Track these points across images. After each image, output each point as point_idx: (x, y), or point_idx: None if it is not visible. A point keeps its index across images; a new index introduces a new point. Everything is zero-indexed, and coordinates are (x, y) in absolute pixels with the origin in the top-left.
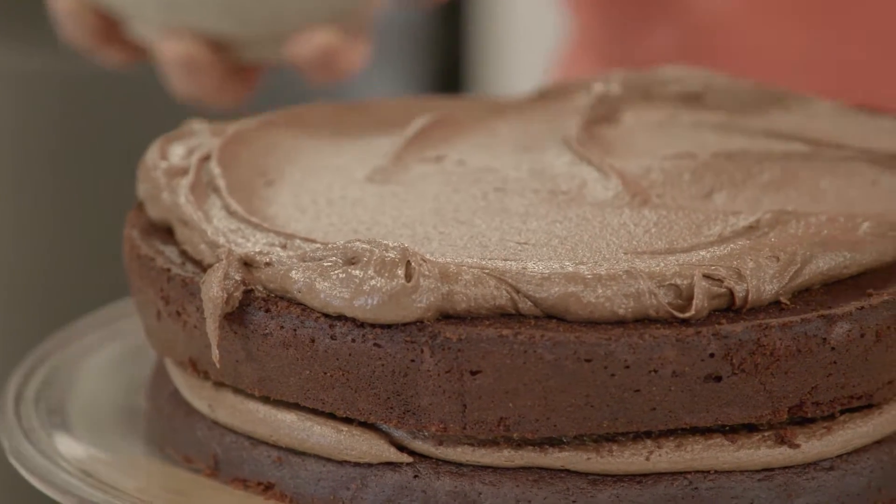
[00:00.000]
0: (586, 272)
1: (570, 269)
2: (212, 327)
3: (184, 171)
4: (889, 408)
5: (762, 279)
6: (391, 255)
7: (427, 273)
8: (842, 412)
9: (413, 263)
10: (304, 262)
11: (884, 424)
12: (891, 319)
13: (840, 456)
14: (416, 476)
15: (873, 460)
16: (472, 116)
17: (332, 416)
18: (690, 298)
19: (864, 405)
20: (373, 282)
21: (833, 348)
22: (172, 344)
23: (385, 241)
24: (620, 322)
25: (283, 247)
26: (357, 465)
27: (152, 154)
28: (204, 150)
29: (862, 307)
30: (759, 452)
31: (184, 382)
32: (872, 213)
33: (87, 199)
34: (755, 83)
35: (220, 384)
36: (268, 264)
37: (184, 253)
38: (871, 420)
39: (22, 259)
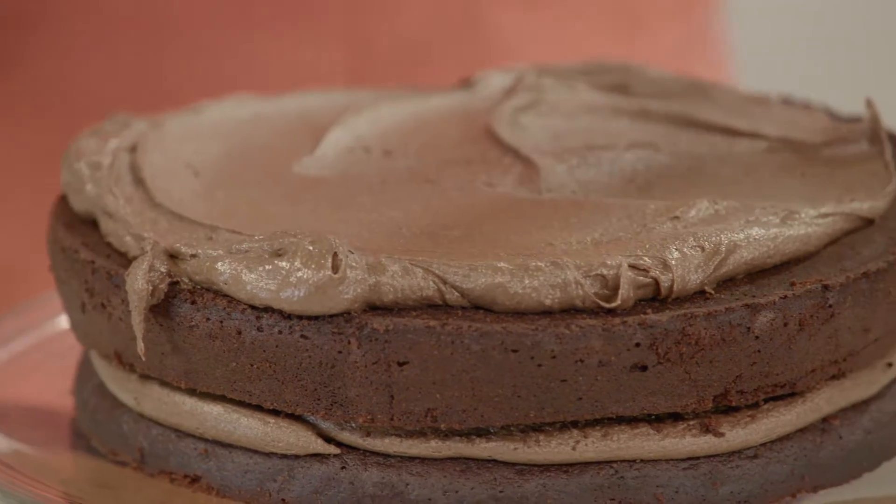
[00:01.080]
0: (513, 263)
1: (497, 260)
2: (137, 320)
3: (108, 163)
4: (812, 396)
5: (687, 269)
6: (318, 246)
7: (354, 264)
8: (765, 400)
9: (340, 255)
10: (231, 253)
11: (807, 412)
12: (814, 308)
13: (764, 444)
14: (343, 467)
15: (797, 448)
16: (399, 107)
17: (258, 408)
18: (616, 288)
19: (788, 393)
20: (299, 273)
21: (757, 337)
22: (97, 336)
23: (312, 233)
24: (547, 312)
25: (209, 238)
26: (284, 456)
27: (76, 146)
28: (129, 141)
29: (785, 296)
30: (684, 441)
31: (109, 375)
32: (795, 203)
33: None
34: (678, 73)
35: (145, 377)
36: (193, 256)
37: (108, 245)
38: (795, 408)
39: None
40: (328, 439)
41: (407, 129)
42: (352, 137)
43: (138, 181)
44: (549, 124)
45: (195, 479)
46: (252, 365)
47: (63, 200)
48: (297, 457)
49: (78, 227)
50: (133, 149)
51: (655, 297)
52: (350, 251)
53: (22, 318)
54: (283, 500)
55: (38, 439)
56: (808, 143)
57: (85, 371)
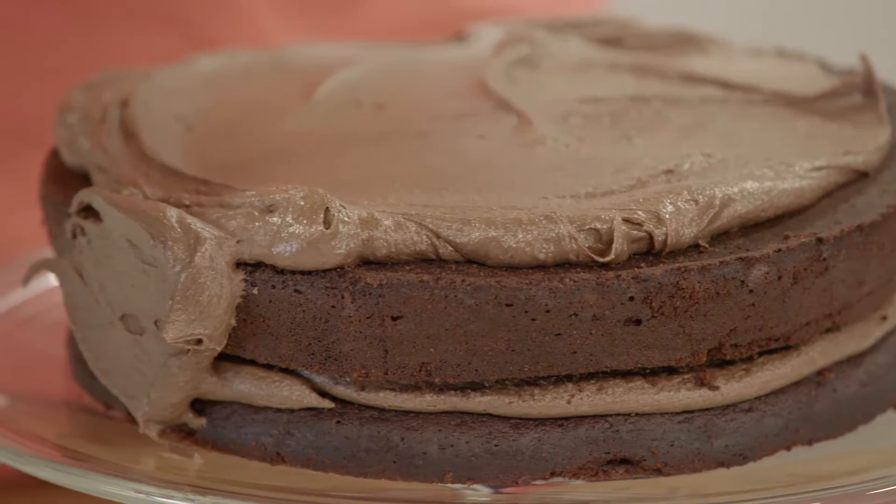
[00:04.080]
0: (506, 217)
1: (490, 213)
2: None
3: (101, 117)
4: (806, 349)
5: (681, 223)
6: (309, 201)
7: (346, 219)
8: (760, 354)
9: (332, 210)
10: (222, 208)
11: (801, 366)
12: (808, 262)
13: (759, 397)
14: (338, 422)
15: (791, 401)
16: (392, 61)
17: (252, 363)
18: (610, 242)
19: (782, 347)
20: (291, 229)
21: (751, 291)
22: None
23: (303, 188)
24: (541, 266)
25: (204, 193)
26: (279, 411)
27: (67, 100)
28: (120, 95)
29: (779, 249)
30: (678, 395)
31: None
32: (789, 156)
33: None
34: (672, 26)
35: None
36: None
37: None
38: (789, 361)
39: None
40: (323, 394)
41: (399, 82)
42: (344, 91)
43: (130, 134)
44: (541, 77)
45: (190, 434)
46: (245, 320)
47: (55, 155)
48: (292, 411)
49: (70, 181)
50: (125, 102)
51: (649, 251)
52: (342, 206)
53: (17, 272)
54: (278, 453)
55: (34, 394)
56: (801, 95)
57: None
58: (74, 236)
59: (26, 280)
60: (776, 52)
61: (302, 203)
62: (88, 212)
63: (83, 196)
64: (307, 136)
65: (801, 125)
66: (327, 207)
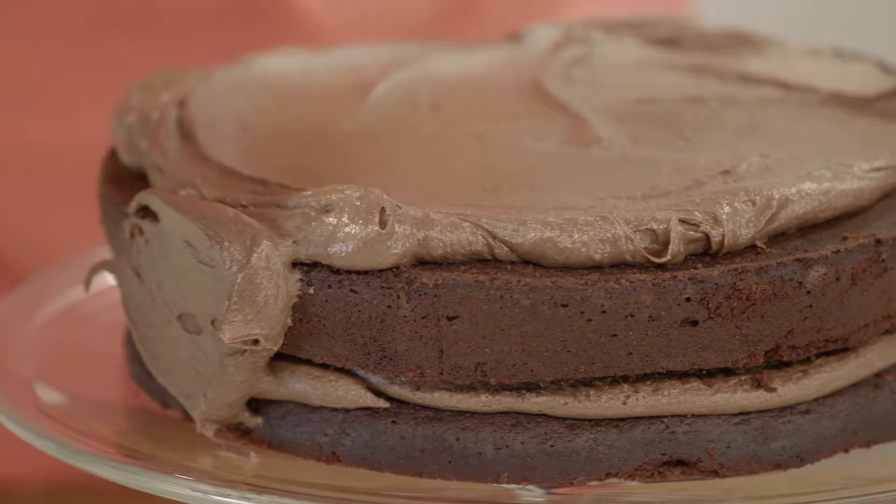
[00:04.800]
0: (562, 218)
1: (546, 214)
2: None
3: (157, 117)
4: (864, 351)
5: (738, 223)
6: (365, 201)
7: (402, 219)
8: (818, 356)
9: (387, 210)
10: (279, 209)
11: (859, 367)
12: (866, 263)
13: (816, 399)
14: (393, 421)
15: (849, 403)
16: (447, 61)
17: (308, 363)
18: (667, 243)
19: (840, 349)
20: (347, 229)
21: (809, 292)
22: None
23: (359, 188)
24: (597, 267)
25: (261, 194)
26: (335, 410)
27: (125, 100)
28: (178, 95)
29: (837, 251)
30: (735, 396)
31: None
32: (847, 156)
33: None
34: (729, 27)
35: None
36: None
37: None
38: (847, 363)
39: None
40: (378, 393)
41: (455, 83)
42: (400, 91)
43: (187, 135)
44: (598, 78)
45: (246, 433)
46: (302, 320)
47: (112, 155)
48: (347, 411)
49: (127, 181)
50: (182, 102)
51: (706, 252)
52: (398, 206)
53: (75, 271)
54: (333, 453)
55: (91, 393)
56: (859, 96)
57: None
58: (132, 236)
59: (87, 282)
60: (834, 52)
61: (358, 203)
62: (146, 212)
63: (141, 197)
64: (363, 137)
65: (859, 126)
66: (383, 207)
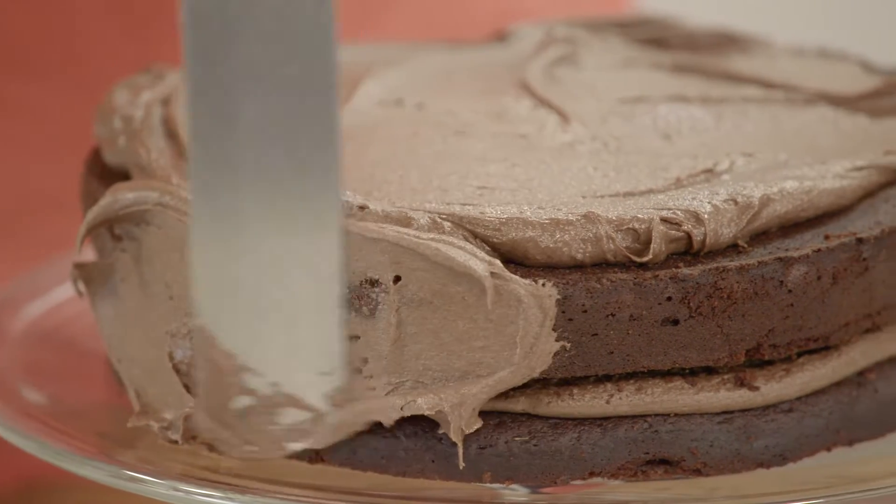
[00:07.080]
0: (544, 217)
1: (528, 213)
2: None
3: (141, 116)
4: (847, 350)
5: (720, 223)
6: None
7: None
8: (800, 354)
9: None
10: None
11: (842, 366)
12: (847, 262)
13: (799, 398)
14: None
15: (832, 402)
16: (432, 61)
17: None
18: (648, 242)
19: (822, 347)
20: None
21: (790, 291)
22: None
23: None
24: (578, 266)
25: None
26: None
27: (109, 99)
28: (162, 94)
29: (819, 250)
30: (718, 395)
31: None
32: (830, 156)
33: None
34: (715, 27)
35: None
36: None
37: None
38: (830, 362)
39: None
40: None
41: (440, 81)
42: (385, 90)
43: (171, 134)
44: (582, 77)
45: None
46: None
47: (97, 153)
48: None
49: (111, 179)
50: (166, 101)
51: (688, 251)
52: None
53: (59, 270)
54: (317, 453)
55: (74, 392)
56: (843, 95)
57: None
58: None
59: (76, 284)
60: (818, 52)
61: None
62: None
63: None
64: (348, 135)
65: (842, 125)
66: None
